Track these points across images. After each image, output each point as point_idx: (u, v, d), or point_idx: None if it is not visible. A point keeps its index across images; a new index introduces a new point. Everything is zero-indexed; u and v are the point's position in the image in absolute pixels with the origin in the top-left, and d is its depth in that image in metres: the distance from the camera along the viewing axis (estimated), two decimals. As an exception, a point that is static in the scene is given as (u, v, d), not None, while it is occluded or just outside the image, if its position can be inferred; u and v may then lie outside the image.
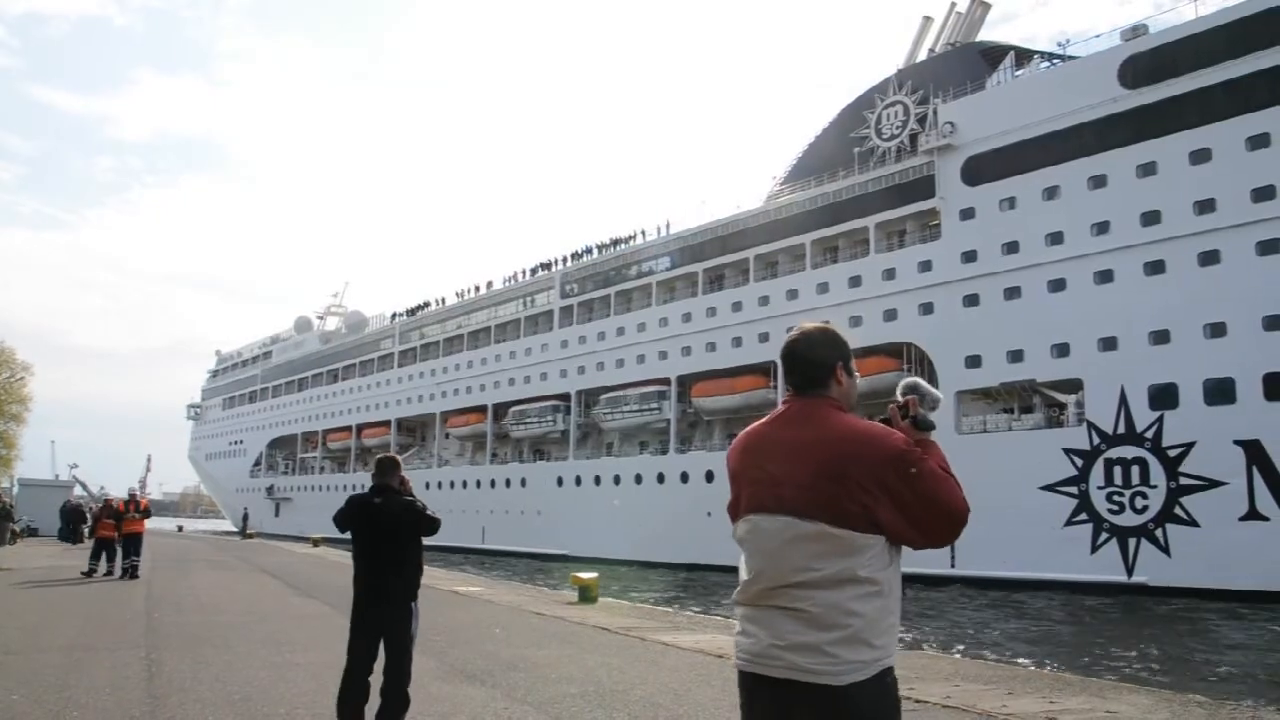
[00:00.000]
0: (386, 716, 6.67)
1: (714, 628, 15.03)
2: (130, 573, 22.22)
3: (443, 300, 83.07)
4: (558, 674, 9.72)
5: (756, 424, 3.05)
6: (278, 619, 14.80)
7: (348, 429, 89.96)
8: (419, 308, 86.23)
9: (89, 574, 22.60)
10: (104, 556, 23.39)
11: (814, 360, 3.00)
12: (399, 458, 7.37)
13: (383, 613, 6.76)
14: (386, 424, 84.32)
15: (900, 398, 3.03)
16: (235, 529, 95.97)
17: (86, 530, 40.29)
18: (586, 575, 19.29)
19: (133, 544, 22.92)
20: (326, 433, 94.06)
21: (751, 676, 2.79)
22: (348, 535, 7.03)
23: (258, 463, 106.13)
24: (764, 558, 2.81)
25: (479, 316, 76.17)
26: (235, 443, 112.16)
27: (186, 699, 8.05)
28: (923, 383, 3.10)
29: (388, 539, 6.85)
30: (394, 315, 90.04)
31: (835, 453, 2.76)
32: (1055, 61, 44.70)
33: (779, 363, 3.05)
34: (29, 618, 14.36)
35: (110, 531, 23.62)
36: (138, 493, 26.77)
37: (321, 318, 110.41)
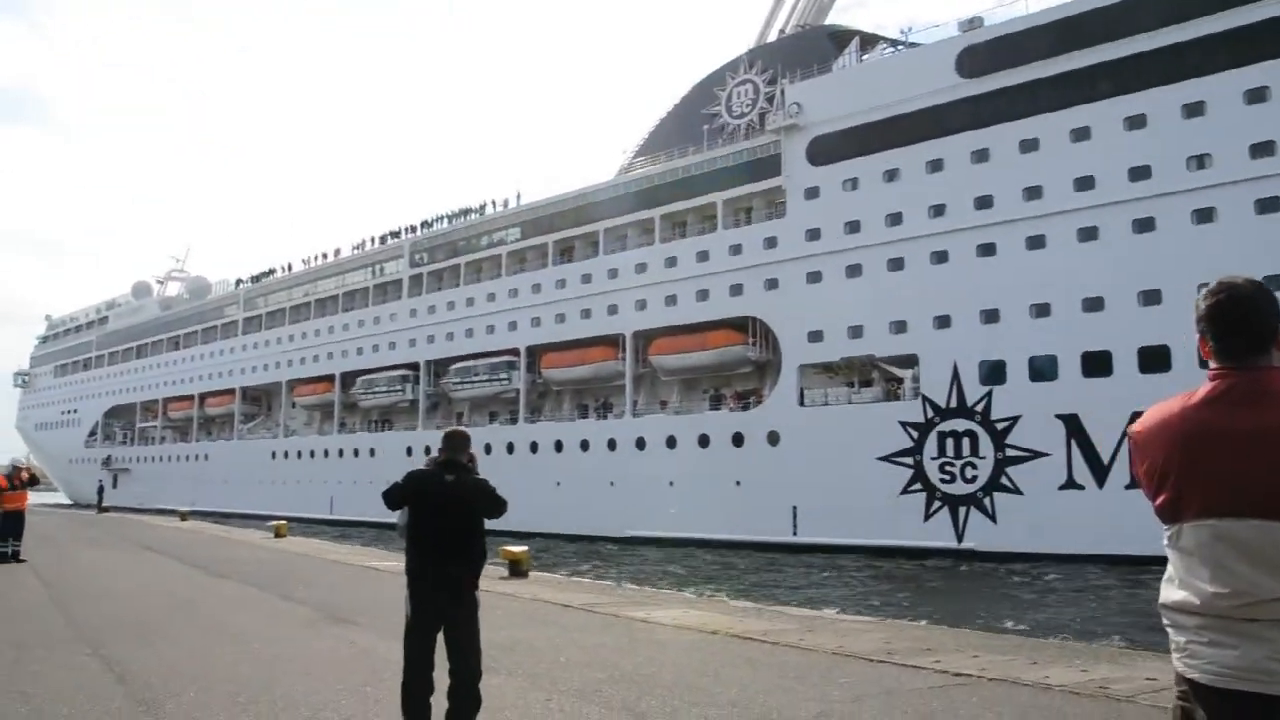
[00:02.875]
0: (459, 718, 6.15)
1: (677, 603, 14.78)
2: (14, 557, 20.63)
3: (289, 267, 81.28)
4: (566, 658, 9.38)
5: (1180, 405, 2.57)
6: (206, 604, 14.14)
7: (190, 398, 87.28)
8: (265, 274, 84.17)
9: None
10: None
11: (1261, 319, 2.52)
12: (469, 432, 6.85)
13: (448, 603, 6.25)
14: (231, 392, 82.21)
15: None
16: (70, 502, 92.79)
17: None
18: (517, 549, 18.40)
19: (14, 523, 21.09)
20: (167, 401, 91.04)
21: (1238, 695, 2.38)
22: (397, 513, 6.54)
23: (93, 433, 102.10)
24: (1245, 568, 2.37)
25: (327, 284, 74.74)
26: (68, 412, 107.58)
27: (182, 704, 7.42)
28: None
29: (457, 521, 6.30)
30: (239, 282, 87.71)
31: None
32: (899, 48, 46.07)
33: (1206, 324, 2.58)
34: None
35: None
36: (21, 461, 24.55)
37: (162, 283, 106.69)
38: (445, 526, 6.29)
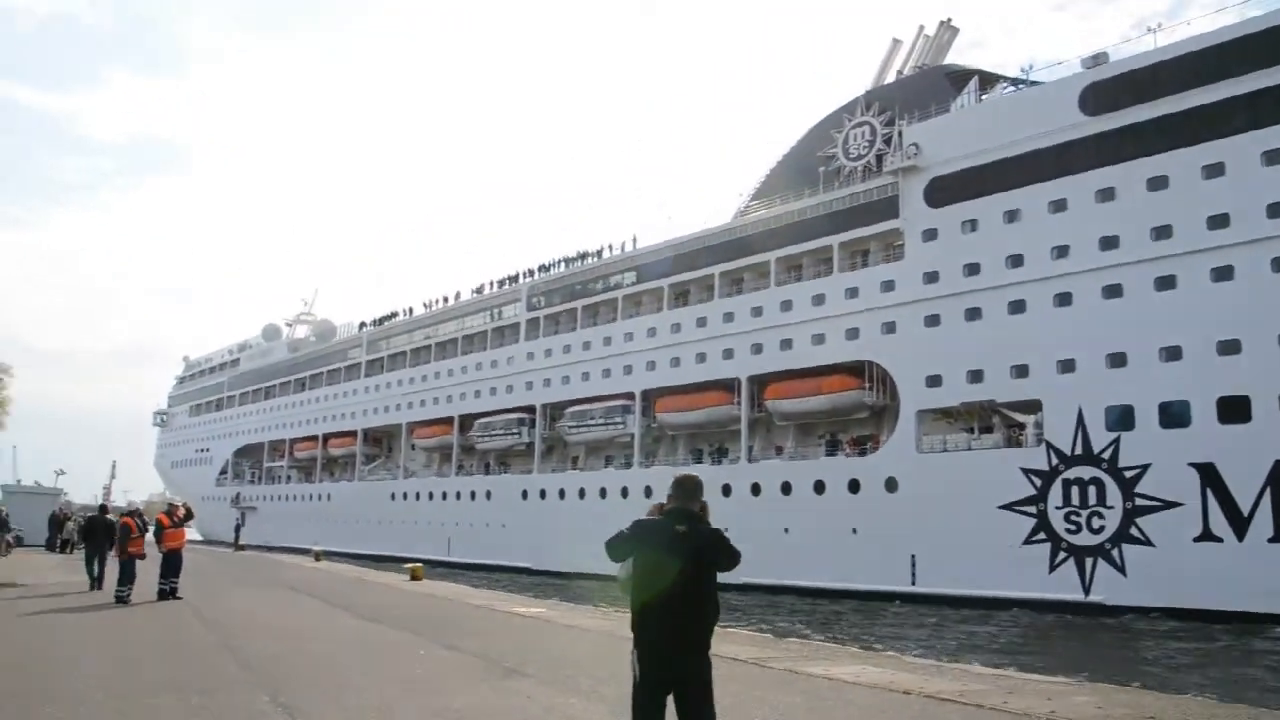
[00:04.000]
0: None
1: (848, 658, 14.07)
2: (172, 593, 21.15)
3: (410, 311, 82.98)
4: (761, 718, 8.77)
5: None
6: (369, 649, 13.85)
7: (314, 438, 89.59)
8: (387, 317, 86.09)
9: (94, 586, 22.74)
10: (95, 564, 23.53)
11: None
12: (699, 477, 6.35)
13: (681, 662, 5.83)
14: (353, 434, 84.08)
15: None
16: (201, 538, 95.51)
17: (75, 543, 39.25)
18: None
19: (173, 561, 21.55)
20: (293, 442, 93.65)
21: None
22: (618, 565, 6.13)
23: (224, 471, 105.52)
24: None
25: (446, 328, 76.04)
26: (201, 450, 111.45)
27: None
28: None
29: (689, 575, 5.83)
30: (362, 325, 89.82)
31: None
32: (1019, 86, 45.13)
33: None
34: (96, 648, 13.58)
35: (139, 549, 21.78)
36: (174, 499, 25.78)
37: (290, 325, 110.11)
38: (676, 581, 5.78)
